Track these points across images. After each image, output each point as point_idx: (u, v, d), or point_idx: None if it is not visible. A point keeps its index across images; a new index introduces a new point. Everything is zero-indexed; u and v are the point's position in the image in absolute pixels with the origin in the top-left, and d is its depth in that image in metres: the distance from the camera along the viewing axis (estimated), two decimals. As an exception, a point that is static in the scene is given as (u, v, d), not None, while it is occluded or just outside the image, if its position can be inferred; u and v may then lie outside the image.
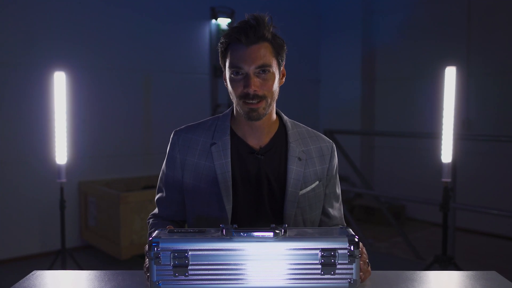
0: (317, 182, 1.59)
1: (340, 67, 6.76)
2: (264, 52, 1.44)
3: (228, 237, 1.28)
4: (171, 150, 1.60)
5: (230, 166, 1.52)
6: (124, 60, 5.20)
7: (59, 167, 3.72)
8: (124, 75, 5.21)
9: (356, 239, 1.29)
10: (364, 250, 1.38)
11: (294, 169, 1.55)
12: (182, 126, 1.63)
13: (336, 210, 1.69)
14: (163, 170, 1.64)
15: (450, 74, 3.57)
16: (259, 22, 1.45)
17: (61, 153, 3.72)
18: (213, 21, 5.77)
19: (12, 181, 4.57)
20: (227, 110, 1.61)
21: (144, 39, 5.30)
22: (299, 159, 1.56)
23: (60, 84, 3.72)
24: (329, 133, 4.91)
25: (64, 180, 3.74)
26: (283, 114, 1.64)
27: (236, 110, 1.54)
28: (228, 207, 1.51)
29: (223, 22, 5.79)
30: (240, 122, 1.55)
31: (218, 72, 5.77)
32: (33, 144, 4.61)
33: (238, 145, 1.55)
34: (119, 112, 5.19)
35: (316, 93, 7.02)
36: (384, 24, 6.49)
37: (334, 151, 1.66)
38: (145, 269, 1.38)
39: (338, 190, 1.70)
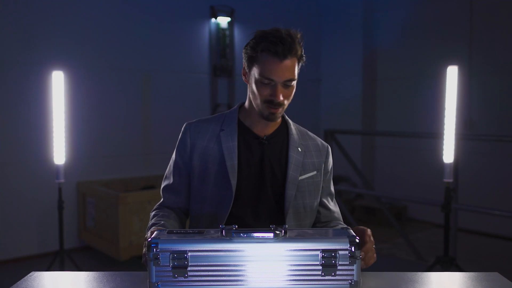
0: (315, 172, 1.75)
1: (341, 66, 6.73)
2: (292, 67, 1.58)
3: (228, 238, 1.28)
4: (182, 136, 1.74)
5: (236, 148, 1.68)
6: (123, 59, 5.17)
7: (57, 167, 3.71)
8: (123, 74, 5.19)
9: (357, 240, 1.29)
10: (371, 238, 1.45)
11: (294, 156, 1.71)
12: (193, 120, 1.78)
13: (332, 204, 1.81)
14: (172, 159, 1.77)
15: (452, 74, 3.56)
16: (294, 39, 1.56)
17: (59, 153, 3.71)
18: (213, 20, 5.75)
19: (10, 182, 4.55)
20: (235, 107, 1.78)
21: (143, 38, 5.28)
22: (299, 149, 1.73)
23: (58, 83, 3.70)
24: (330, 134, 4.89)
25: (62, 180, 3.73)
26: (285, 114, 1.79)
27: (251, 105, 1.68)
28: (233, 182, 1.64)
29: (223, 21, 5.77)
30: (248, 114, 1.72)
31: (217, 72, 5.75)
32: (31, 144, 4.59)
33: (245, 132, 1.71)
34: (118, 111, 5.16)
35: (317, 92, 7.00)
36: (385, 22, 6.47)
37: (330, 151, 1.82)
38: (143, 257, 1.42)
39: (333, 190, 1.85)
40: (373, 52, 6.59)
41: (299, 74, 1.63)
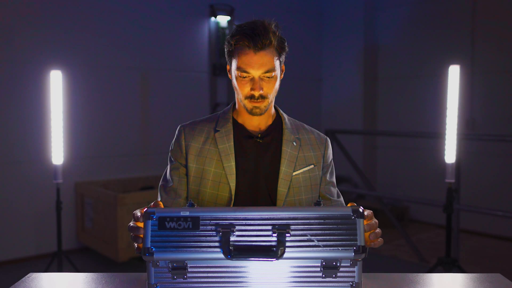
0: (312, 166, 1.72)
1: (342, 65, 6.71)
2: (269, 58, 1.57)
3: (228, 255, 1.24)
4: (176, 139, 1.72)
5: (233, 148, 1.67)
6: (122, 58, 5.15)
7: (55, 167, 3.68)
8: (122, 73, 5.17)
9: (361, 249, 1.25)
10: (373, 220, 1.36)
11: (288, 151, 1.69)
12: (187, 122, 1.77)
13: (335, 196, 1.78)
14: (169, 160, 1.75)
15: (454, 73, 3.53)
16: (267, 29, 1.56)
17: (57, 154, 3.68)
18: (212, 18, 5.73)
19: (8, 182, 4.53)
20: (229, 105, 1.77)
21: (142, 37, 5.26)
22: (294, 143, 1.71)
23: (56, 83, 3.67)
24: (331, 133, 4.87)
25: (60, 181, 3.70)
26: (279, 109, 1.79)
27: (239, 103, 1.68)
28: (232, 185, 1.64)
29: (223, 19, 5.75)
30: (241, 112, 1.70)
31: (217, 71, 5.73)
32: (28, 144, 4.57)
33: (239, 131, 1.70)
34: (117, 111, 5.14)
35: (317, 92, 6.98)
36: (386, 21, 6.44)
37: (329, 142, 1.79)
38: (129, 228, 1.35)
39: (334, 179, 1.81)
40: (375, 51, 6.57)
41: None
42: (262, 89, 1.57)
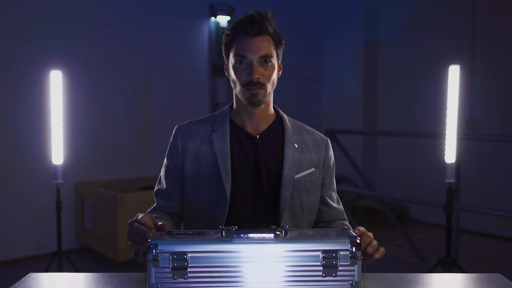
0: (313, 169, 1.69)
1: (342, 65, 6.71)
2: (267, 44, 1.57)
3: (228, 239, 1.27)
4: (173, 140, 1.70)
5: (229, 150, 1.63)
6: (122, 58, 5.15)
7: (55, 167, 3.68)
8: (122, 73, 5.16)
9: (358, 241, 1.28)
10: (368, 233, 1.41)
11: (290, 153, 1.65)
12: (185, 122, 1.74)
13: (335, 202, 1.77)
14: (164, 163, 1.73)
15: (454, 73, 3.52)
16: (264, 17, 1.58)
17: (57, 154, 3.68)
18: (212, 18, 5.73)
19: (7, 182, 4.52)
20: (226, 106, 1.73)
21: (142, 37, 5.26)
22: (295, 145, 1.67)
23: (56, 83, 3.67)
24: (331, 133, 4.86)
25: (60, 181, 3.70)
26: (279, 110, 1.75)
27: (237, 99, 1.65)
28: (227, 186, 1.60)
29: (223, 19, 5.75)
30: (239, 111, 1.67)
31: (217, 71, 5.73)
32: (28, 144, 4.56)
33: (237, 132, 1.66)
34: (117, 111, 5.14)
35: (317, 92, 6.97)
36: (386, 21, 6.44)
37: (329, 144, 1.77)
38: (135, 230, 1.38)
39: (335, 183, 1.79)
40: (375, 51, 6.56)
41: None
42: (259, 74, 1.55)
